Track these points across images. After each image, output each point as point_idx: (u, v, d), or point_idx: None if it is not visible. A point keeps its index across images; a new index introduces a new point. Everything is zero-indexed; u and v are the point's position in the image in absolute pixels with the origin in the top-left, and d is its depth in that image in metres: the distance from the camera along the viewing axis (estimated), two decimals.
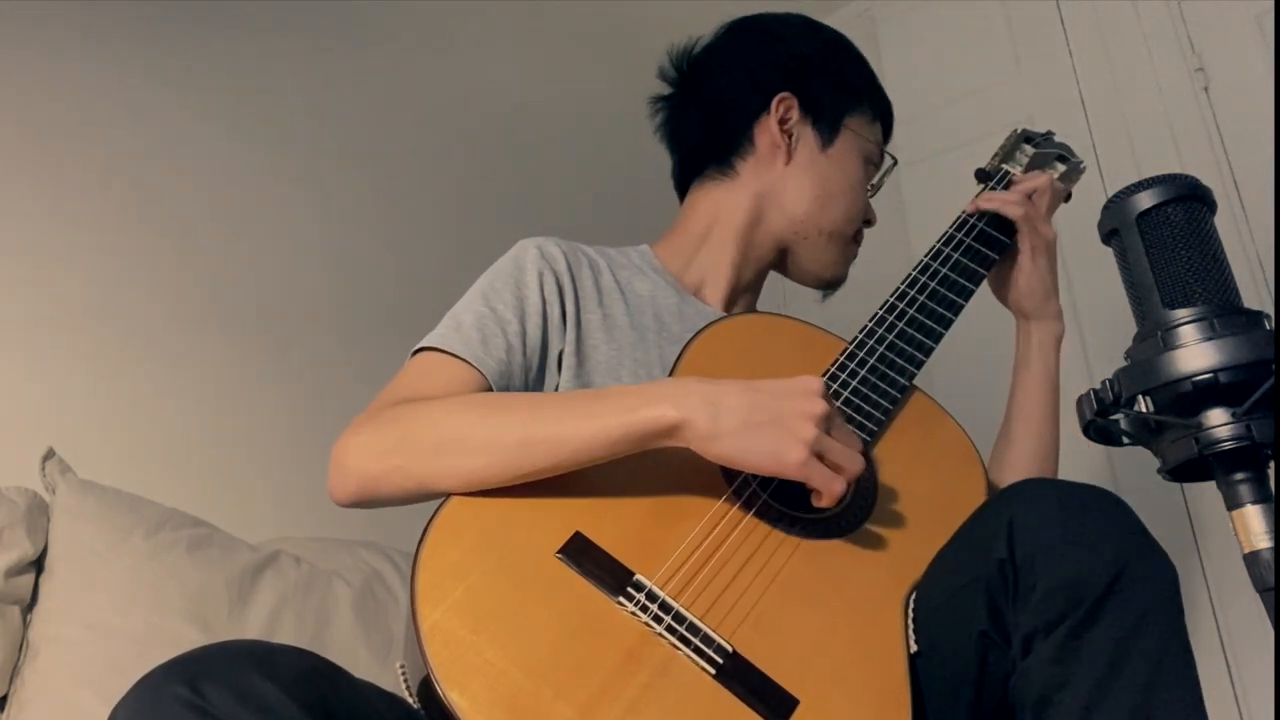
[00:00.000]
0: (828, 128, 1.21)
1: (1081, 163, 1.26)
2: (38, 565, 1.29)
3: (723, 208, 1.23)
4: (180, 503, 1.42)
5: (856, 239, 1.25)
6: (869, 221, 1.26)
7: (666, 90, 1.28)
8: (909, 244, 2.04)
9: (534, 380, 1.05)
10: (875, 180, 1.26)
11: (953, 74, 2.25)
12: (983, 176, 1.25)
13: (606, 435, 0.88)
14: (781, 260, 1.25)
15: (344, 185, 1.99)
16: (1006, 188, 1.21)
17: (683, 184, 1.29)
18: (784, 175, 1.21)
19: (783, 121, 1.21)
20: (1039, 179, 1.19)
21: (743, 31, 1.26)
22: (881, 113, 1.27)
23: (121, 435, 1.60)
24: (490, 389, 1.00)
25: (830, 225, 1.21)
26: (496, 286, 1.08)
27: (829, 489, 0.87)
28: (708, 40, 1.28)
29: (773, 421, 0.87)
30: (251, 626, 1.32)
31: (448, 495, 0.89)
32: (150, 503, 1.38)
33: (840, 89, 1.22)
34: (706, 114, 1.25)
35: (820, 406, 0.88)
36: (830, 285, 1.27)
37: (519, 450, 0.88)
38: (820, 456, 0.87)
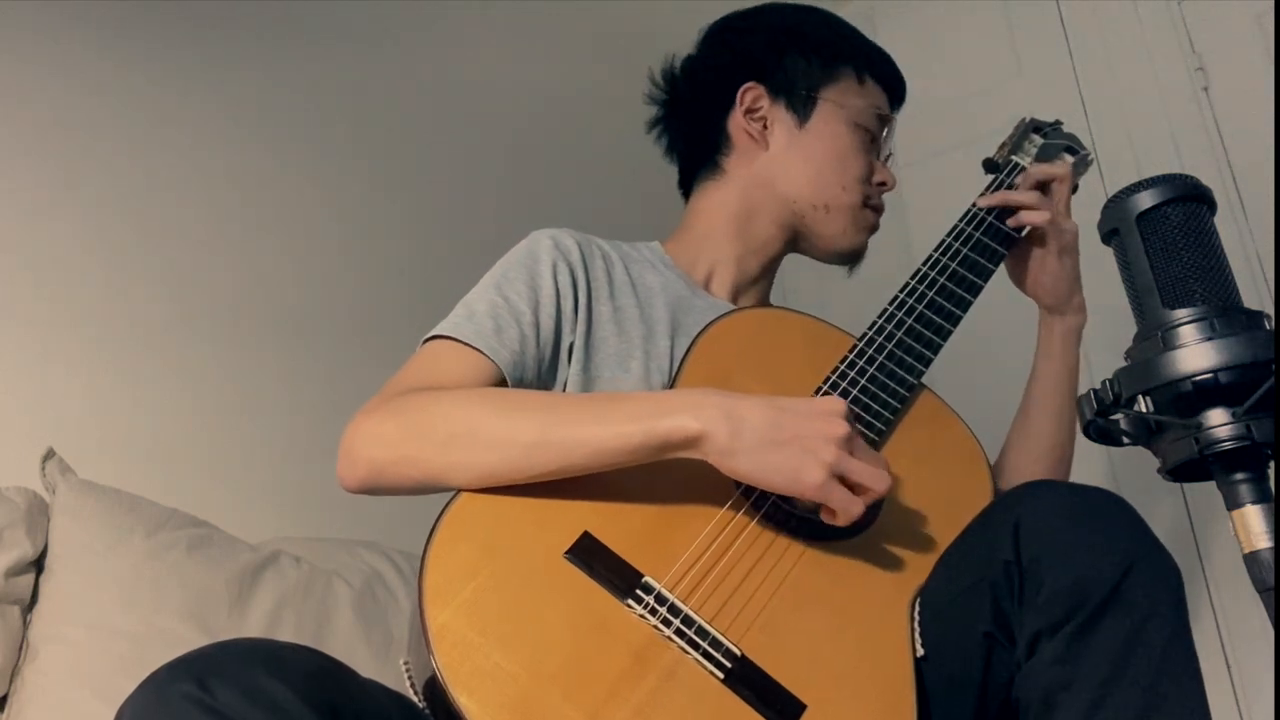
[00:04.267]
0: (801, 105, 1.20)
1: (1089, 154, 1.25)
2: (38, 565, 1.29)
3: (717, 206, 1.23)
4: (180, 503, 1.41)
5: (869, 204, 1.21)
6: (884, 184, 1.22)
7: (658, 111, 1.29)
8: (910, 243, 2.04)
9: (546, 371, 1.05)
10: (882, 142, 1.23)
11: (953, 74, 2.25)
12: (991, 167, 1.24)
13: (623, 442, 0.87)
14: (795, 244, 1.24)
15: (347, 185, 1.99)
16: (1015, 178, 1.20)
17: (686, 192, 1.30)
18: (768, 162, 1.20)
19: (752, 110, 1.21)
20: (1058, 168, 1.18)
21: (710, 35, 1.27)
22: (875, 71, 1.23)
23: (121, 435, 1.60)
24: (503, 379, 1.00)
25: (827, 198, 1.19)
26: (510, 276, 1.07)
27: (846, 511, 0.86)
28: (685, 54, 1.29)
29: (793, 441, 0.86)
30: (251, 626, 1.32)
31: (456, 490, 0.89)
32: (150, 503, 1.38)
33: (809, 63, 1.21)
34: (687, 123, 1.27)
35: (842, 428, 0.87)
36: (849, 258, 1.24)
37: (532, 450, 0.87)
38: (842, 478, 0.86)
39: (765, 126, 1.21)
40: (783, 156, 1.20)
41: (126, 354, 1.65)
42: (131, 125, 1.77)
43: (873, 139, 1.22)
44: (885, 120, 1.23)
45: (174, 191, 1.79)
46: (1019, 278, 1.21)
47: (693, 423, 0.86)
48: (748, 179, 1.21)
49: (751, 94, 1.21)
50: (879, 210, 1.23)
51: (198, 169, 1.82)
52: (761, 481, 0.87)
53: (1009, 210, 1.16)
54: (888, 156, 1.25)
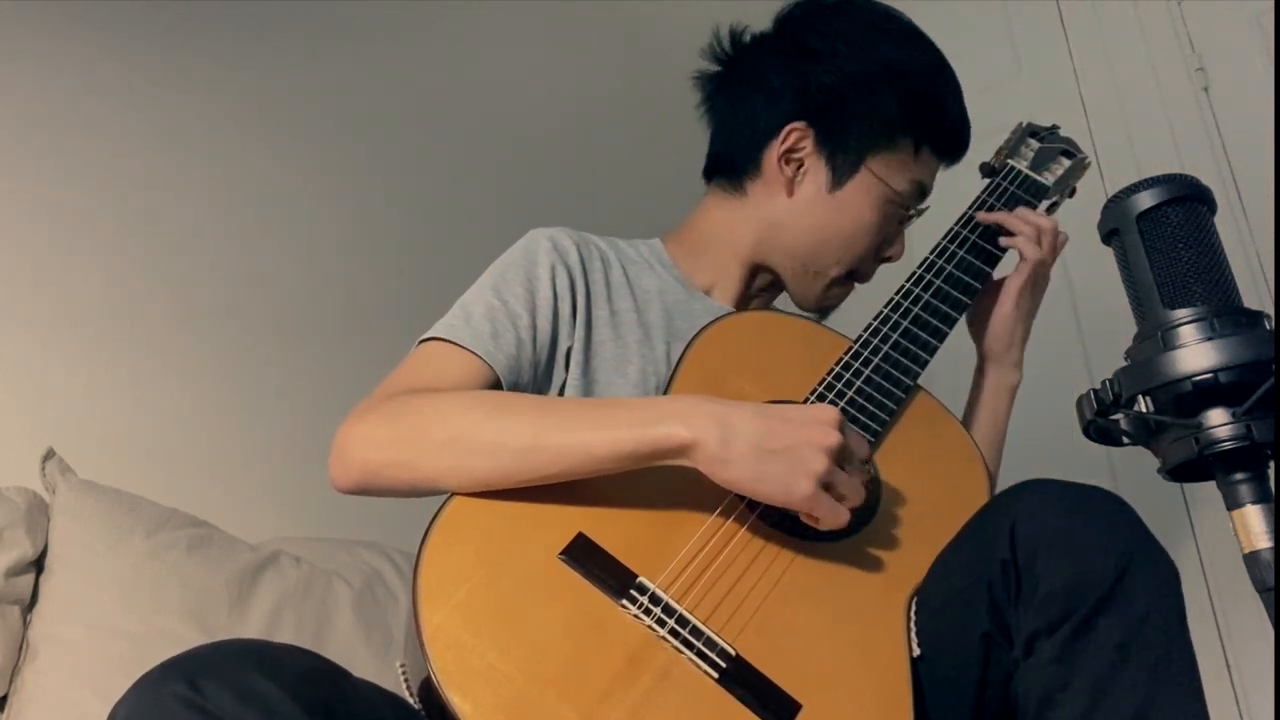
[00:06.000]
0: (844, 166, 1.13)
1: (1086, 158, 1.24)
2: (38, 565, 1.29)
3: (729, 225, 1.19)
4: (180, 503, 1.41)
5: (853, 277, 1.18)
6: (889, 258, 1.19)
7: (713, 72, 1.22)
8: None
9: (542, 375, 1.04)
10: (910, 216, 1.18)
11: None
12: (988, 171, 1.24)
13: (615, 449, 0.87)
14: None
15: (348, 185, 1.99)
16: (1012, 183, 1.20)
17: (706, 174, 1.25)
18: (787, 208, 1.15)
19: (792, 151, 1.14)
20: (1048, 221, 1.14)
21: (786, 37, 1.18)
22: (938, 143, 1.16)
23: (121, 435, 1.60)
24: (499, 383, 0.99)
25: (819, 267, 1.16)
26: (508, 278, 1.06)
27: (835, 522, 0.86)
28: (758, 32, 1.20)
29: (785, 451, 0.85)
30: (251, 626, 1.32)
31: (450, 494, 0.89)
32: (150, 503, 1.38)
33: (871, 125, 1.13)
34: (727, 121, 1.21)
35: (835, 439, 0.86)
36: (813, 312, 1.22)
37: (525, 455, 0.87)
38: (827, 487, 0.86)
39: (798, 170, 1.15)
40: (801, 212, 1.15)
41: (126, 354, 1.65)
42: (132, 125, 1.77)
43: (904, 206, 1.16)
44: (924, 196, 1.18)
45: (174, 191, 1.79)
46: (971, 317, 1.18)
47: (684, 430, 0.86)
48: (763, 214, 1.17)
49: (796, 135, 1.14)
50: (862, 281, 1.20)
51: (198, 169, 1.82)
52: (751, 491, 0.87)
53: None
54: (919, 213, 1.19)
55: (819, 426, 0.87)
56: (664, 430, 0.87)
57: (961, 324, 1.11)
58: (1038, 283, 1.15)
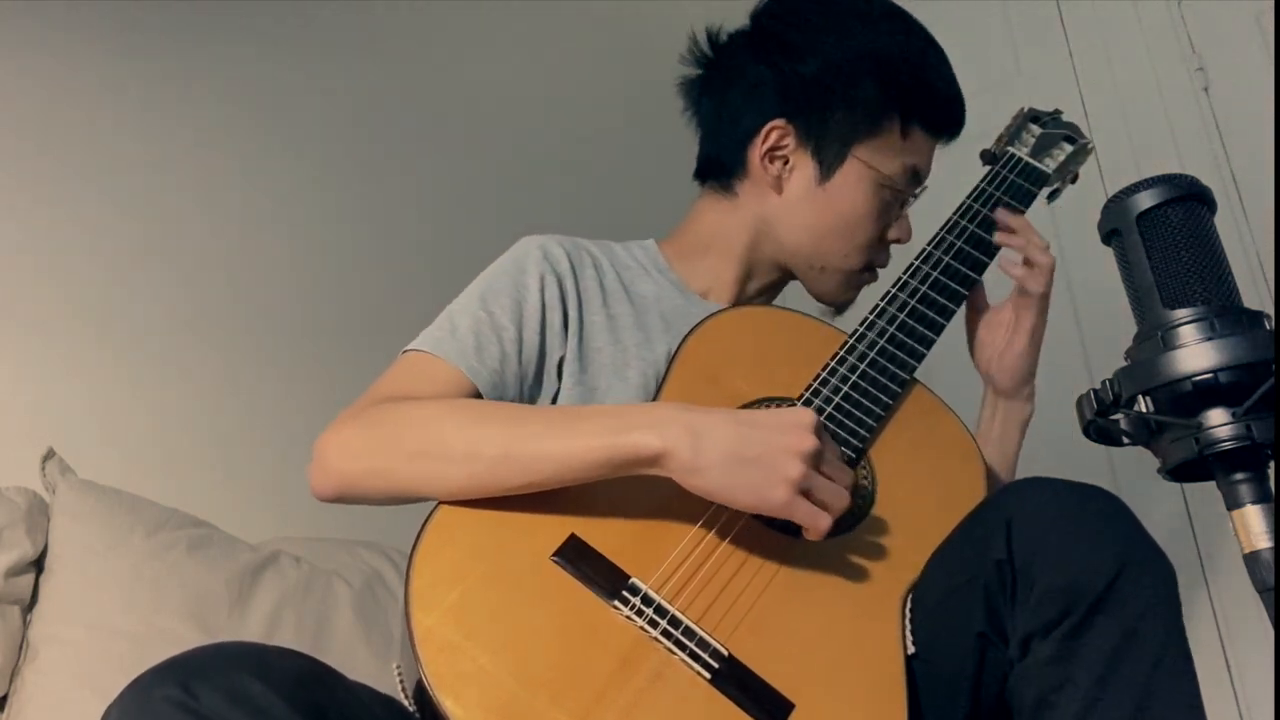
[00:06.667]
0: (830, 158, 1.12)
1: (1089, 142, 1.21)
2: (38, 565, 1.29)
3: (723, 227, 1.18)
4: (180, 503, 1.42)
5: (869, 268, 1.17)
6: (898, 240, 1.17)
7: (695, 76, 1.20)
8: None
9: (530, 388, 1.03)
10: (909, 196, 1.16)
11: None
12: (989, 159, 1.21)
13: (587, 458, 0.86)
14: (790, 276, 1.21)
15: (349, 185, 1.99)
16: (1013, 170, 1.17)
17: (698, 177, 1.24)
18: (779, 206, 1.14)
19: (774, 149, 1.13)
20: (1046, 257, 1.10)
21: (761, 33, 1.17)
22: (928, 120, 1.14)
23: (121, 435, 1.60)
24: (481, 398, 0.98)
25: (824, 261, 1.15)
26: (495, 288, 1.05)
27: (815, 526, 0.85)
28: (733, 30, 1.19)
29: (759, 458, 0.84)
30: (251, 627, 1.32)
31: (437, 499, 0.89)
32: (150, 503, 1.38)
33: (853, 113, 1.11)
34: (712, 123, 1.20)
35: (810, 442, 0.85)
36: (833, 308, 1.21)
37: (498, 464, 0.87)
38: (807, 493, 0.85)
39: (784, 167, 1.13)
40: (793, 208, 1.13)
41: (126, 354, 1.65)
42: (133, 125, 1.78)
43: (898, 190, 1.14)
44: (919, 179, 1.16)
45: (175, 191, 1.79)
46: (981, 350, 1.14)
47: (655, 440, 0.85)
48: (756, 214, 1.16)
49: (778, 133, 1.12)
50: (881, 266, 1.18)
51: (199, 169, 1.83)
52: (726, 499, 0.86)
53: (1001, 204, 1.13)
54: (919, 192, 1.17)
55: (793, 431, 0.85)
56: (635, 439, 0.85)
57: (962, 314, 1.10)
58: (1040, 320, 1.11)
